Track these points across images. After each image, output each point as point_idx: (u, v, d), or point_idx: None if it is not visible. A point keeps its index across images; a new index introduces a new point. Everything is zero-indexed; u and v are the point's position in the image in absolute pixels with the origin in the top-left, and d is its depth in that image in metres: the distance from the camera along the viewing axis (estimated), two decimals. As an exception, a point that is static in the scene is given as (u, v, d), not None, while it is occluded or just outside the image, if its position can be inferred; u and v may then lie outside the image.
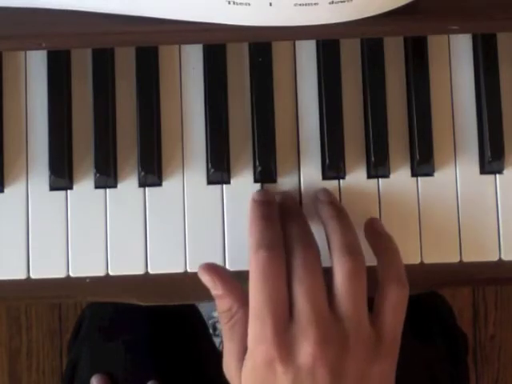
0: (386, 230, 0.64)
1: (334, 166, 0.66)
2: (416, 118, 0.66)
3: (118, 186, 0.66)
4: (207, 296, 0.64)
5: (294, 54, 0.68)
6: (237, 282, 0.62)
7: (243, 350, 0.60)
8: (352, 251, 0.60)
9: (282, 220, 0.62)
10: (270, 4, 0.58)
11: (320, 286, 0.59)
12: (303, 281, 0.58)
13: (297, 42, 0.68)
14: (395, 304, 0.61)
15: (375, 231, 0.64)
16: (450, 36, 0.68)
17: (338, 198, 0.66)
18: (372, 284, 0.61)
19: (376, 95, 0.66)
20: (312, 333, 0.57)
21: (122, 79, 0.67)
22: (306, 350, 0.57)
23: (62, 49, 0.66)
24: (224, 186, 0.66)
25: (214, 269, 0.62)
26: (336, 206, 0.64)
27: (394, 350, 0.61)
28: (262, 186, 0.66)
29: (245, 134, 0.67)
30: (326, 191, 0.65)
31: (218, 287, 0.61)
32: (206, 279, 0.62)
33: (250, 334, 0.59)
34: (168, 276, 0.66)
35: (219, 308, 0.62)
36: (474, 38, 0.68)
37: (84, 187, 0.66)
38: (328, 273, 0.60)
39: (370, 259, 0.62)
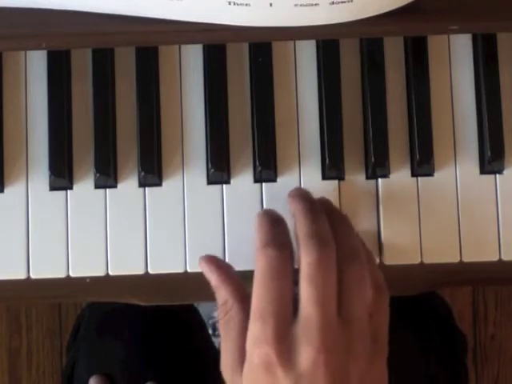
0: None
1: (333, 166, 0.66)
2: (416, 118, 0.66)
3: (118, 186, 0.67)
4: (207, 296, 0.64)
5: (294, 54, 0.68)
6: (237, 276, 0.61)
7: (238, 348, 0.58)
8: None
9: (294, 218, 0.60)
10: (271, 4, 0.58)
11: (332, 289, 0.56)
12: (313, 282, 0.56)
13: (297, 42, 0.68)
14: (384, 306, 0.60)
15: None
16: (450, 36, 0.68)
17: (337, 198, 0.66)
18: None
19: (376, 95, 0.66)
20: (316, 339, 0.55)
21: (122, 79, 0.67)
22: (308, 355, 0.55)
23: (62, 49, 0.66)
24: (224, 186, 0.66)
25: (213, 259, 0.62)
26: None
27: (385, 348, 0.60)
28: (261, 186, 0.66)
29: (245, 134, 0.67)
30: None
31: (212, 276, 0.61)
32: (203, 267, 0.62)
33: (249, 335, 0.57)
34: (168, 276, 0.66)
35: (217, 300, 0.61)
36: (474, 38, 0.68)
37: (84, 187, 0.66)
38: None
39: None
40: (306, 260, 0.56)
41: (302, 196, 0.62)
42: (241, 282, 0.61)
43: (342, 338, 0.56)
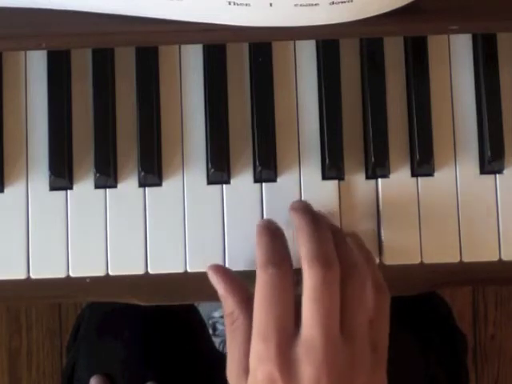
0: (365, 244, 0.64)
1: (333, 166, 0.66)
2: (416, 118, 0.66)
3: (118, 186, 0.66)
4: (207, 296, 0.64)
5: (294, 54, 0.68)
6: (243, 285, 0.61)
7: (243, 356, 0.59)
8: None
9: (297, 233, 0.60)
10: (271, 4, 0.58)
11: (335, 310, 0.57)
12: (316, 304, 0.56)
13: (297, 42, 0.68)
14: (383, 313, 0.61)
15: (357, 244, 0.64)
16: (450, 36, 0.68)
17: (337, 198, 0.66)
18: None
19: (376, 95, 0.66)
20: (320, 358, 0.56)
21: (122, 79, 0.67)
22: (311, 373, 0.55)
23: (62, 49, 0.66)
24: (224, 186, 0.66)
25: (220, 268, 0.62)
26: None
27: (385, 357, 0.60)
28: (261, 186, 0.66)
29: (245, 134, 0.67)
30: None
31: (219, 286, 0.61)
32: (210, 276, 0.62)
33: (252, 352, 0.57)
34: (168, 276, 0.66)
35: (224, 309, 0.61)
36: (474, 38, 0.68)
37: (84, 187, 0.66)
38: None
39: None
40: (309, 281, 0.57)
41: (304, 210, 0.62)
42: (247, 292, 0.61)
43: (345, 354, 0.57)
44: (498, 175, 0.67)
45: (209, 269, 0.63)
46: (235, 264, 0.65)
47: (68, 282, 0.66)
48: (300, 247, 0.59)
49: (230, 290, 0.61)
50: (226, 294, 0.61)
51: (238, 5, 0.58)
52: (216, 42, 0.66)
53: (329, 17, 0.59)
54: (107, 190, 0.66)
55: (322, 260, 0.57)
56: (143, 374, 0.83)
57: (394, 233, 0.66)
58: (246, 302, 0.60)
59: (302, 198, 0.66)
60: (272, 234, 0.61)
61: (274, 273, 0.57)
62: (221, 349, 1.21)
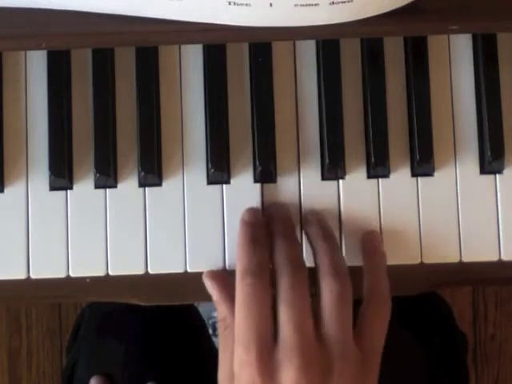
0: (383, 246, 0.65)
1: (334, 166, 0.66)
2: (416, 118, 0.66)
3: (118, 186, 0.66)
4: (207, 296, 0.64)
5: (293, 54, 0.68)
6: None
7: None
8: (340, 274, 0.60)
9: (272, 239, 0.63)
10: (271, 4, 0.58)
11: (307, 310, 0.59)
12: (290, 305, 0.59)
13: (297, 42, 0.68)
14: (377, 323, 0.62)
15: (371, 245, 0.65)
16: (450, 36, 0.68)
17: (337, 198, 0.66)
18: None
19: (376, 95, 0.66)
20: (296, 359, 0.57)
21: (122, 79, 0.67)
22: (289, 376, 0.57)
23: (62, 49, 0.66)
24: (224, 186, 0.66)
25: (216, 275, 0.64)
26: (323, 227, 0.64)
27: (377, 365, 0.62)
28: (261, 186, 0.66)
29: (245, 134, 0.67)
30: (313, 212, 0.65)
31: (214, 292, 0.63)
32: (206, 282, 0.64)
33: (235, 358, 0.59)
34: (168, 276, 0.66)
35: (217, 315, 0.63)
36: (474, 38, 0.68)
37: (84, 187, 0.66)
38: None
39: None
40: (280, 285, 0.59)
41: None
42: None
43: (323, 356, 0.59)
44: (497, 175, 0.67)
45: (204, 276, 0.64)
46: (235, 264, 0.65)
47: (68, 282, 0.66)
48: (275, 254, 0.62)
49: (224, 296, 0.63)
50: (220, 301, 0.63)
51: (238, 5, 0.58)
52: (216, 42, 0.66)
53: (329, 17, 0.59)
54: (107, 189, 0.66)
55: (291, 265, 0.60)
56: (143, 374, 0.83)
57: (394, 233, 0.66)
58: None
59: (302, 198, 0.66)
60: (253, 241, 0.62)
61: (252, 283, 0.60)
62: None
